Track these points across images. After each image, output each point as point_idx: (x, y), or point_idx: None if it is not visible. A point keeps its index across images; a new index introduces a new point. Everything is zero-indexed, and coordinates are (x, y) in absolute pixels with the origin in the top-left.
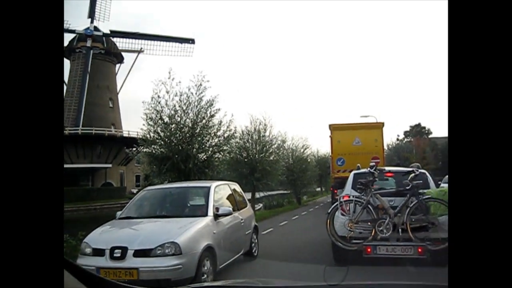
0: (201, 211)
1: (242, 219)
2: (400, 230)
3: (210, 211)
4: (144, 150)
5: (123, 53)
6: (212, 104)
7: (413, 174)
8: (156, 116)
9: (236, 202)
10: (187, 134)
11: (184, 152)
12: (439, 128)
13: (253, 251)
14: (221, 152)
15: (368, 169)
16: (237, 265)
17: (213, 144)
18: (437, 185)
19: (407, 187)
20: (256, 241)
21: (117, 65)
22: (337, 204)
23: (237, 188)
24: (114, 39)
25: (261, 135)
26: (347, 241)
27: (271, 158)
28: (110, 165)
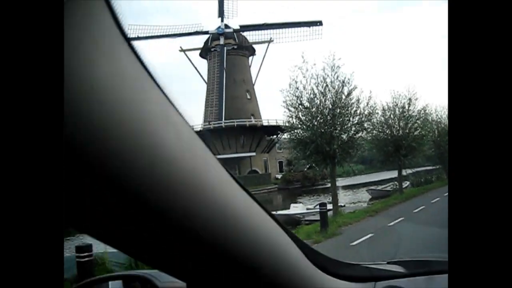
0: None
1: None
2: None
3: None
4: (287, 136)
5: (254, 45)
6: (348, 82)
7: None
8: (296, 102)
9: None
10: (328, 116)
11: (327, 134)
12: None
13: None
14: (363, 131)
15: None
16: None
17: (354, 122)
18: None
19: None
20: None
21: (250, 58)
22: None
23: None
24: (244, 33)
25: (404, 110)
26: None
27: (416, 133)
28: (254, 153)
